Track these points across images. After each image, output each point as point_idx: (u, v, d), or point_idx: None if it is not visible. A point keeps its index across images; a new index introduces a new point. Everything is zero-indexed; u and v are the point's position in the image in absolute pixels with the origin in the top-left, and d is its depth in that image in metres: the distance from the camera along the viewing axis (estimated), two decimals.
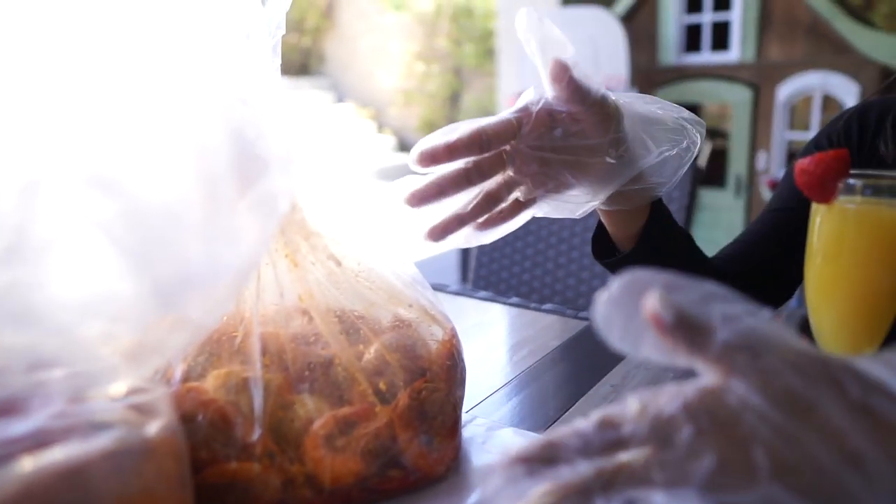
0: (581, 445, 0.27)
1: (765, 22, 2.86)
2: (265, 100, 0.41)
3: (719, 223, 3.02)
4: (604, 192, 0.59)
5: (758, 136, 2.93)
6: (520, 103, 0.57)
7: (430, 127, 8.84)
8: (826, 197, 0.51)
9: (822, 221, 0.52)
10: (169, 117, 0.34)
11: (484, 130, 0.53)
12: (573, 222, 1.37)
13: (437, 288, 1.01)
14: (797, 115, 2.87)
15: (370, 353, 0.46)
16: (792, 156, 2.90)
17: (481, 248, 1.45)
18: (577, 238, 1.36)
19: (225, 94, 0.38)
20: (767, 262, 0.80)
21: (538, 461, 0.26)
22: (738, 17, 2.91)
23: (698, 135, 0.60)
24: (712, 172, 3.35)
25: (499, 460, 0.26)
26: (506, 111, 0.57)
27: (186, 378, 0.43)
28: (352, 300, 0.48)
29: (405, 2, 8.68)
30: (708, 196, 3.00)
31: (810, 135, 2.72)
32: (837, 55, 2.67)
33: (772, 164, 2.91)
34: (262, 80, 0.42)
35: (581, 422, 0.27)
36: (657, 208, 0.67)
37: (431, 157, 0.54)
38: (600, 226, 0.70)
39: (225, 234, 0.33)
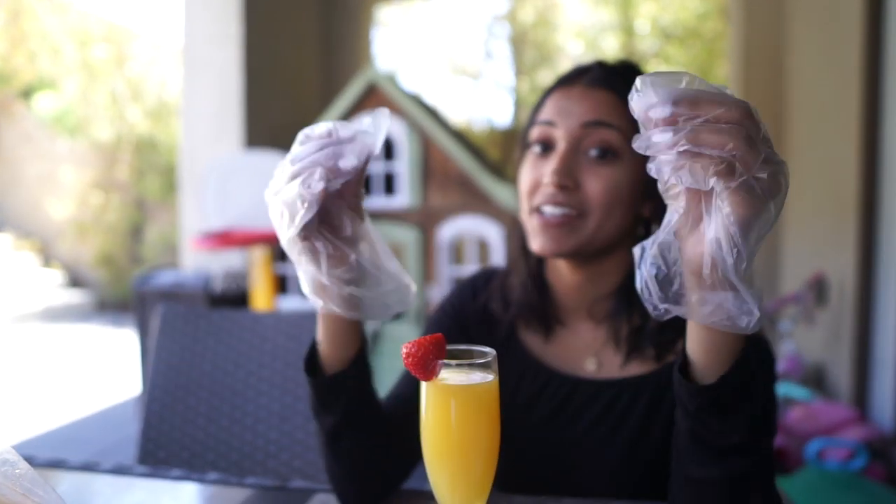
0: None
1: (426, 173, 3.29)
2: None
3: (399, 353, 3.22)
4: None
5: (428, 271, 3.27)
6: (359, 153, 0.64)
7: (109, 261, 8.10)
8: (428, 375, 0.59)
9: (428, 395, 0.60)
10: None
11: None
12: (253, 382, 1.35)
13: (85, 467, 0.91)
14: (458, 252, 3.30)
15: None
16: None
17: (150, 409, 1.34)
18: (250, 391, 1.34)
19: None
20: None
21: None
22: (405, 168, 3.30)
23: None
24: None
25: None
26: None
27: None
28: None
29: (79, 128, 8.08)
30: (390, 327, 3.22)
31: (470, 268, 3.12)
32: (483, 204, 3.16)
33: (442, 295, 3.26)
34: None
35: None
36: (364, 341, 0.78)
37: None
38: (314, 345, 0.77)
39: None
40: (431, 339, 0.58)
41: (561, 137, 0.86)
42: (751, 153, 0.49)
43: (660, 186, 0.55)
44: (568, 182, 0.83)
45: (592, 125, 0.84)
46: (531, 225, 0.88)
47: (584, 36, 8.85)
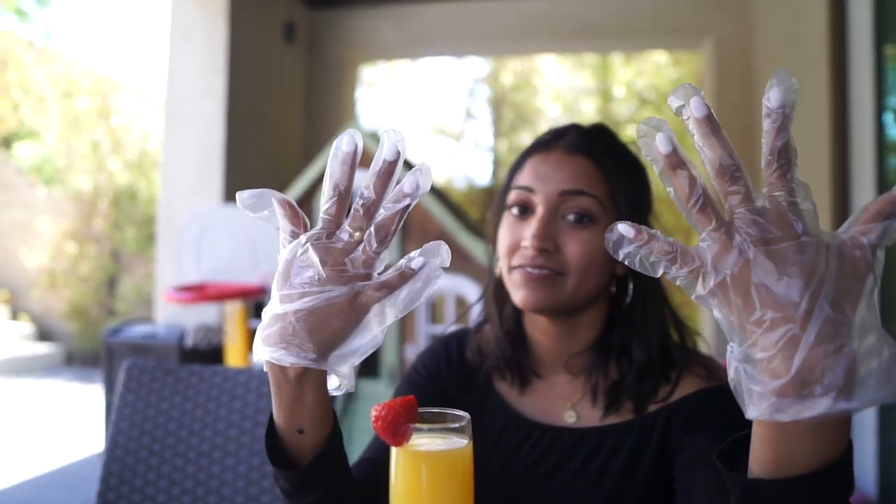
0: None
1: (405, 230, 3.29)
2: None
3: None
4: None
5: (405, 330, 3.23)
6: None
7: (80, 313, 7.94)
8: (398, 440, 0.57)
9: (398, 462, 0.57)
10: None
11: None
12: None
13: None
14: (436, 310, 3.27)
15: None
16: None
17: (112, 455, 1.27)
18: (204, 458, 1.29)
19: None
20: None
21: None
22: None
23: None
24: (367, 364, 3.55)
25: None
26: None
27: None
28: None
29: (58, 177, 8.03)
30: (365, 386, 3.16)
31: (447, 325, 3.08)
32: (463, 262, 3.16)
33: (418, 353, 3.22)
34: None
35: None
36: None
37: None
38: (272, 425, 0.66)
39: None
40: (402, 401, 0.56)
41: (539, 202, 0.87)
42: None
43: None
44: (548, 245, 0.85)
45: (570, 194, 0.86)
46: (513, 280, 0.88)
47: (562, 99, 9.08)
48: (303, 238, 0.57)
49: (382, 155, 0.58)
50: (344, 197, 0.58)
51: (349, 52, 5.12)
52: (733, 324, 0.48)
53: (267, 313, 0.58)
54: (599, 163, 0.88)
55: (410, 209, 0.57)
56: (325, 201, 0.58)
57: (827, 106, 3.07)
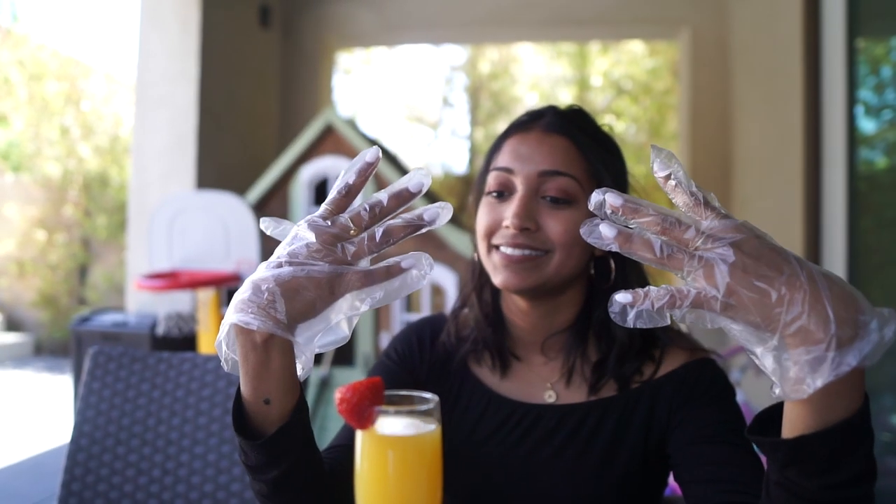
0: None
1: None
2: None
3: None
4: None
5: (380, 316, 3.21)
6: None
7: (50, 302, 7.80)
8: (363, 423, 0.55)
9: (363, 445, 0.56)
10: None
11: None
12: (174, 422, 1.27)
13: None
14: (412, 299, 3.26)
15: None
16: None
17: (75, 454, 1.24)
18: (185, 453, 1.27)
19: None
20: None
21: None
22: None
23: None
24: (342, 352, 3.52)
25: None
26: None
27: None
28: None
29: (26, 163, 7.85)
30: (340, 374, 3.14)
31: (423, 314, 3.07)
32: (438, 250, 3.14)
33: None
34: None
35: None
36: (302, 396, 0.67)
37: None
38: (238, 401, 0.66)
39: None
40: (367, 383, 0.54)
41: (519, 183, 0.87)
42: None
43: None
44: (529, 224, 0.86)
45: (549, 174, 0.87)
46: (492, 262, 0.89)
47: (539, 88, 9.08)
48: (302, 220, 0.61)
49: (407, 185, 0.62)
50: (349, 196, 0.62)
51: (326, 37, 5.06)
52: (757, 323, 0.51)
53: (246, 281, 0.59)
54: (577, 142, 0.89)
55: (419, 233, 0.62)
56: (331, 194, 0.62)
57: (800, 97, 3.09)
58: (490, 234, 0.89)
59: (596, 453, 0.85)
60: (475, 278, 0.97)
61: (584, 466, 0.85)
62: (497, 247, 0.88)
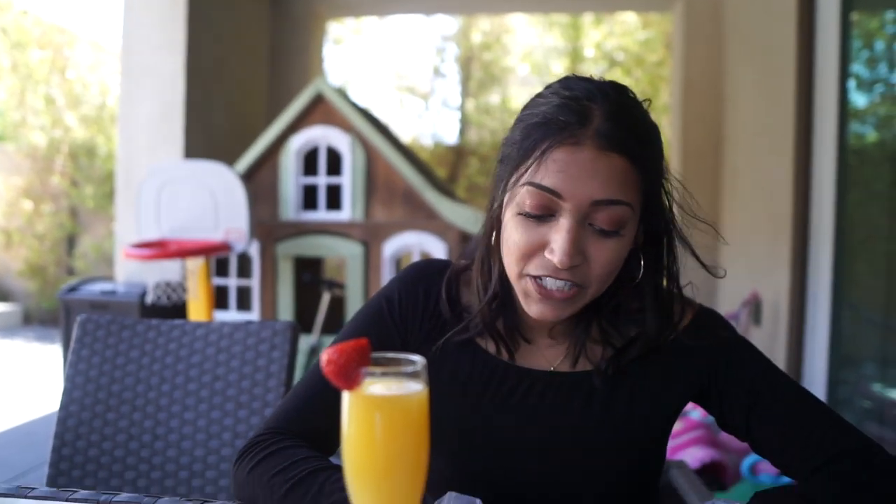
0: None
1: (370, 187, 3.25)
2: None
3: None
4: None
5: (370, 286, 3.22)
6: None
7: (38, 272, 7.74)
8: (350, 384, 0.55)
9: (351, 406, 0.56)
10: None
11: None
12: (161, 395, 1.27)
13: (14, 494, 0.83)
14: (402, 267, 3.27)
15: None
16: None
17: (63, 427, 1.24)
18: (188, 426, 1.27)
19: None
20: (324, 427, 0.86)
21: None
22: (348, 182, 3.26)
23: None
24: (332, 320, 3.53)
25: None
26: None
27: None
28: None
29: (11, 133, 7.73)
30: (330, 342, 3.16)
31: None
32: (428, 219, 3.14)
33: None
34: None
35: None
36: None
37: None
38: None
39: None
40: (355, 344, 0.54)
41: (568, 210, 0.76)
42: None
43: None
44: (578, 261, 0.77)
45: (604, 204, 0.76)
46: (524, 287, 0.81)
47: (531, 59, 9.00)
48: None
49: None
50: None
51: (316, 7, 4.98)
52: None
53: None
54: (636, 162, 0.77)
55: None
56: None
57: (793, 70, 3.09)
58: (525, 259, 0.79)
59: (619, 415, 0.85)
60: (484, 265, 0.89)
61: (604, 428, 0.85)
62: (535, 277, 0.79)
